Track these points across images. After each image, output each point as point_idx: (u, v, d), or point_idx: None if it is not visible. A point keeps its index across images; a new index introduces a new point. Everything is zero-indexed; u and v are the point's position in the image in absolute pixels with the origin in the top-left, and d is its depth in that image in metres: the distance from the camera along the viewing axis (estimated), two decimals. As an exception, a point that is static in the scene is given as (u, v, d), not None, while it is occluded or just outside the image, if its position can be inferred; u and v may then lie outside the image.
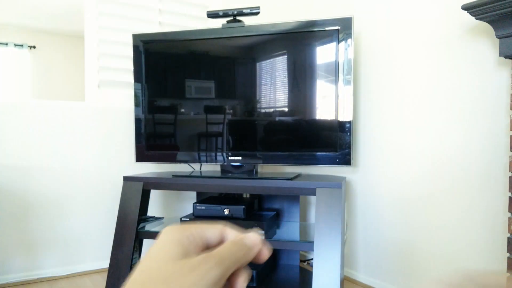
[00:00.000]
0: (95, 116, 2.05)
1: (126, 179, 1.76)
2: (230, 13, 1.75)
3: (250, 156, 1.72)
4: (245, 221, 1.65)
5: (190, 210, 2.33)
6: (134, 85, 1.85)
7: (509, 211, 1.14)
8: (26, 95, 5.79)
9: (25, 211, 1.88)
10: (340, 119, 1.61)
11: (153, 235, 1.70)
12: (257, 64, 1.70)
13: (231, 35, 1.72)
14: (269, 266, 1.76)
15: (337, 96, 1.61)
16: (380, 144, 1.74)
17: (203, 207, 1.72)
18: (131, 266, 1.68)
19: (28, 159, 1.89)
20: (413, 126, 1.60)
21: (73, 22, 5.49)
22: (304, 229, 1.73)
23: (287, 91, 1.68)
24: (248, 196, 1.91)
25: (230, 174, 1.73)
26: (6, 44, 5.63)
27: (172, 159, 1.82)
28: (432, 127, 1.53)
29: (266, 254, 0.32)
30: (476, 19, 1.18)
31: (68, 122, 1.98)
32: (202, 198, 1.90)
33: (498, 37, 1.15)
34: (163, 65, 1.82)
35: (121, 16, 2.13)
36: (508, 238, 1.14)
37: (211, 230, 0.32)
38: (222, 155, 1.76)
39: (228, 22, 1.76)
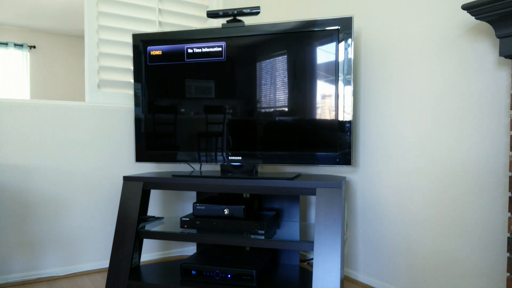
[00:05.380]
0: (95, 116, 2.05)
1: (126, 179, 1.77)
2: (230, 13, 1.75)
3: (250, 156, 1.72)
4: (245, 221, 1.65)
5: (190, 210, 2.33)
6: (134, 85, 1.85)
7: (509, 211, 1.14)
8: (26, 95, 5.79)
9: (25, 211, 1.88)
10: (340, 119, 1.61)
11: (153, 235, 1.70)
12: (257, 64, 1.70)
13: (231, 35, 1.72)
14: (269, 266, 1.76)
15: (337, 96, 1.61)
16: (380, 144, 1.74)
17: (203, 207, 1.72)
18: (131, 266, 1.68)
19: (28, 159, 1.89)
20: (413, 126, 1.60)
21: (73, 22, 5.50)
22: (304, 229, 1.73)
23: (287, 91, 1.68)
24: (248, 196, 1.91)
25: (230, 174, 1.73)
26: (6, 44, 5.64)
27: (172, 159, 1.82)
28: (432, 126, 1.53)
29: None
30: (476, 19, 1.18)
31: (68, 122, 1.98)
32: (202, 198, 1.90)
33: (498, 37, 1.15)
34: (163, 65, 1.82)
35: (121, 16, 2.14)
36: (508, 238, 1.14)
37: None
38: (222, 155, 1.76)
39: (228, 22, 1.76)
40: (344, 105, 1.61)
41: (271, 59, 1.69)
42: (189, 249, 2.32)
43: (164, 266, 1.85)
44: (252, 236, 1.58)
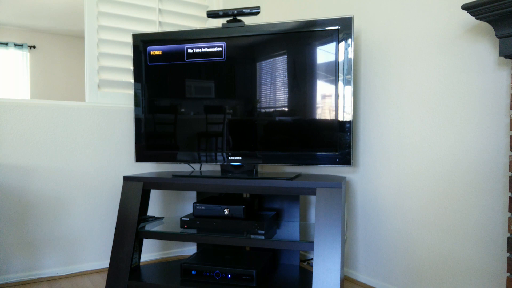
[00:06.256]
0: (95, 116, 2.05)
1: (126, 179, 1.77)
2: (230, 13, 1.75)
3: (250, 156, 1.72)
4: (245, 221, 1.65)
5: (190, 210, 2.33)
6: (134, 85, 1.85)
7: (509, 211, 1.14)
8: (26, 95, 5.79)
9: (25, 211, 1.88)
10: (340, 119, 1.61)
11: (153, 235, 1.70)
12: (257, 64, 1.70)
13: (231, 35, 1.72)
14: (269, 266, 1.76)
15: (337, 96, 1.61)
16: (380, 144, 1.74)
17: (203, 207, 1.72)
18: (131, 266, 1.68)
19: (28, 159, 1.89)
20: (412, 126, 1.60)
21: (73, 22, 5.49)
22: (304, 229, 1.73)
23: (287, 91, 1.68)
24: (248, 196, 1.91)
25: (230, 174, 1.73)
26: (6, 44, 5.63)
27: (172, 159, 1.82)
28: (431, 126, 1.53)
29: None
30: (476, 19, 1.18)
31: (68, 122, 1.98)
32: (202, 198, 1.90)
33: (498, 37, 1.15)
34: (163, 65, 1.82)
35: (121, 16, 2.14)
36: (508, 238, 1.14)
37: None
38: (222, 155, 1.76)
39: (228, 22, 1.76)
40: (344, 105, 1.61)
41: (271, 59, 1.69)
42: (189, 249, 2.32)
43: (164, 266, 1.85)
44: (252, 236, 1.58)
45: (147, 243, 2.19)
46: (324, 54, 1.62)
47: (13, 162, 1.86)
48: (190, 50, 1.78)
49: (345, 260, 1.93)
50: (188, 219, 1.71)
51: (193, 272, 1.65)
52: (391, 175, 1.69)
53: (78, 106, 2.01)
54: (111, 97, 2.13)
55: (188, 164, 2.19)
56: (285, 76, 1.68)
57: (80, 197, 2.01)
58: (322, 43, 1.62)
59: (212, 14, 1.77)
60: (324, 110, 1.63)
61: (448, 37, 1.47)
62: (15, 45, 5.69)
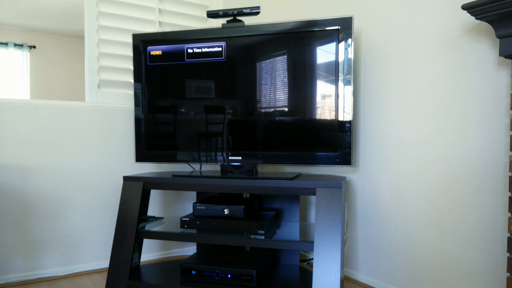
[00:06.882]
0: (95, 116, 2.05)
1: (126, 179, 1.77)
2: (230, 13, 1.75)
3: (250, 156, 1.72)
4: (245, 221, 1.65)
5: (190, 210, 2.33)
6: (134, 85, 1.85)
7: (509, 211, 1.14)
8: (26, 95, 5.79)
9: (25, 211, 1.88)
10: (340, 119, 1.61)
11: (153, 235, 1.70)
12: (257, 64, 1.70)
13: (231, 35, 1.72)
14: (269, 266, 1.76)
15: (337, 96, 1.61)
16: (380, 144, 1.74)
17: (203, 207, 1.72)
18: (131, 266, 1.68)
19: (28, 159, 1.89)
20: (413, 126, 1.60)
21: (73, 22, 5.49)
22: (304, 229, 1.73)
23: (287, 91, 1.68)
24: (248, 196, 1.91)
25: (230, 174, 1.73)
26: (6, 44, 5.63)
27: (172, 159, 1.82)
28: (431, 126, 1.53)
29: None
30: (476, 19, 1.18)
31: (68, 122, 1.98)
32: (202, 198, 1.90)
33: (498, 37, 1.15)
34: (163, 65, 1.82)
35: (121, 16, 2.13)
36: (508, 238, 1.14)
37: None
38: (222, 155, 1.76)
39: (228, 22, 1.76)
40: (344, 105, 1.61)
41: (271, 59, 1.69)
42: (189, 249, 2.32)
43: (164, 266, 1.85)
44: (252, 236, 1.58)
45: (147, 243, 2.19)
46: (324, 54, 1.62)
47: (13, 162, 1.86)
48: (190, 50, 1.78)
49: (345, 260, 1.93)
50: (188, 219, 1.71)
51: (193, 272, 1.65)
52: (391, 175, 1.69)
53: (78, 106, 2.01)
54: (111, 97, 2.13)
55: (188, 164, 2.19)
56: (285, 76, 1.67)
57: (80, 197, 2.01)
58: (322, 43, 1.62)
59: (212, 14, 1.77)
60: (324, 110, 1.63)
61: (448, 37, 1.47)
62: (15, 45, 5.69)
